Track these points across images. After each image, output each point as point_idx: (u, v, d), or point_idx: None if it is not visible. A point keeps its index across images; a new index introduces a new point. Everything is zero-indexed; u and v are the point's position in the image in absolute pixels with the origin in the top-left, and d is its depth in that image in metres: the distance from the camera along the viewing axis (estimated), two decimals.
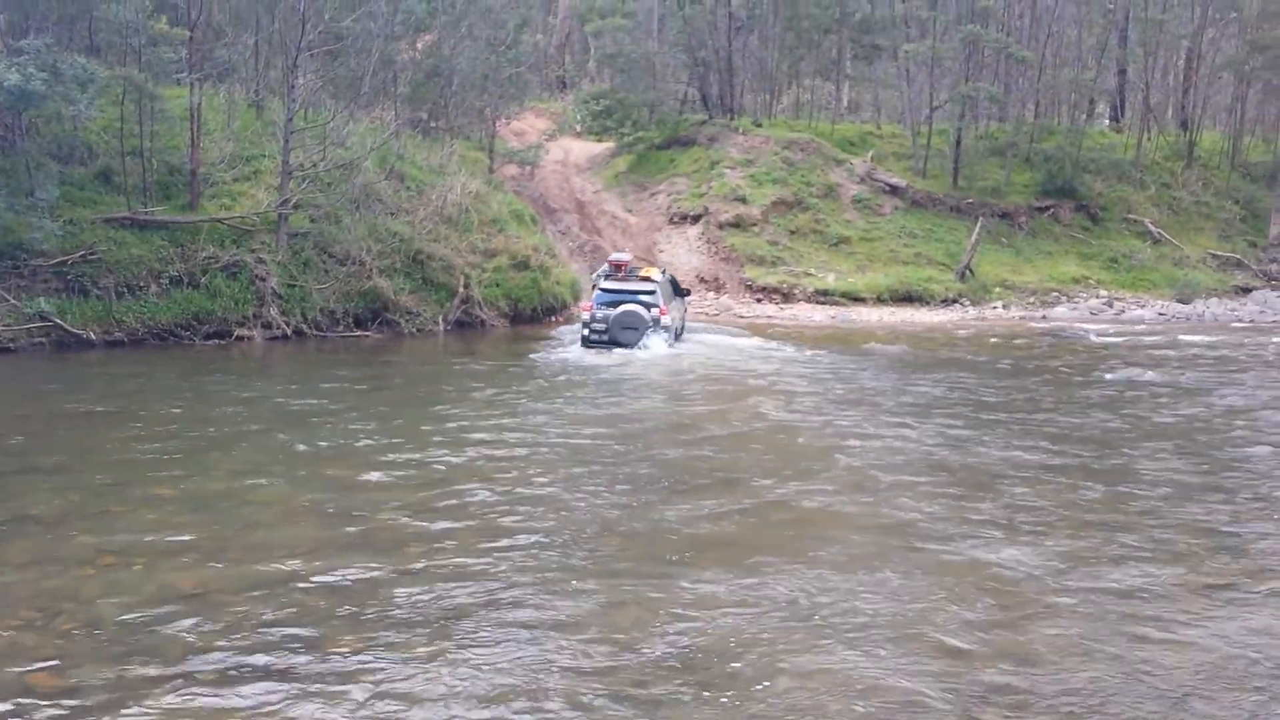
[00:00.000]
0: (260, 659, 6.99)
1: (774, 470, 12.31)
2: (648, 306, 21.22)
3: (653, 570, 8.87)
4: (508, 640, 7.40)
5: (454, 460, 12.42)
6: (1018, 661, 7.32)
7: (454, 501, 10.71)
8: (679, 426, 14.88)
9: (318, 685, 6.68)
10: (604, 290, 21.61)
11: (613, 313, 21.14)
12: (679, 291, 23.76)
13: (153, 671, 6.79)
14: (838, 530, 10.12)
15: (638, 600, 8.21)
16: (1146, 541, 9.94)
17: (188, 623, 7.50)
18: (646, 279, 21.96)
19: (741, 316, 28.34)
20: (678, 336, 22.28)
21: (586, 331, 21.35)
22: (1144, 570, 9.14)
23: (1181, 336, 25.95)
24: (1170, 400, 17.58)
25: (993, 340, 24.95)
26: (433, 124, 32.16)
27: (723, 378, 18.95)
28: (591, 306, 21.52)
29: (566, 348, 21.60)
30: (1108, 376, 19.86)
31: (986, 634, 7.74)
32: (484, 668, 6.99)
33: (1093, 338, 25.70)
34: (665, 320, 21.28)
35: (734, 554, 9.29)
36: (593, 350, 21.01)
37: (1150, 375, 19.95)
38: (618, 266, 22.19)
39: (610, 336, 21.07)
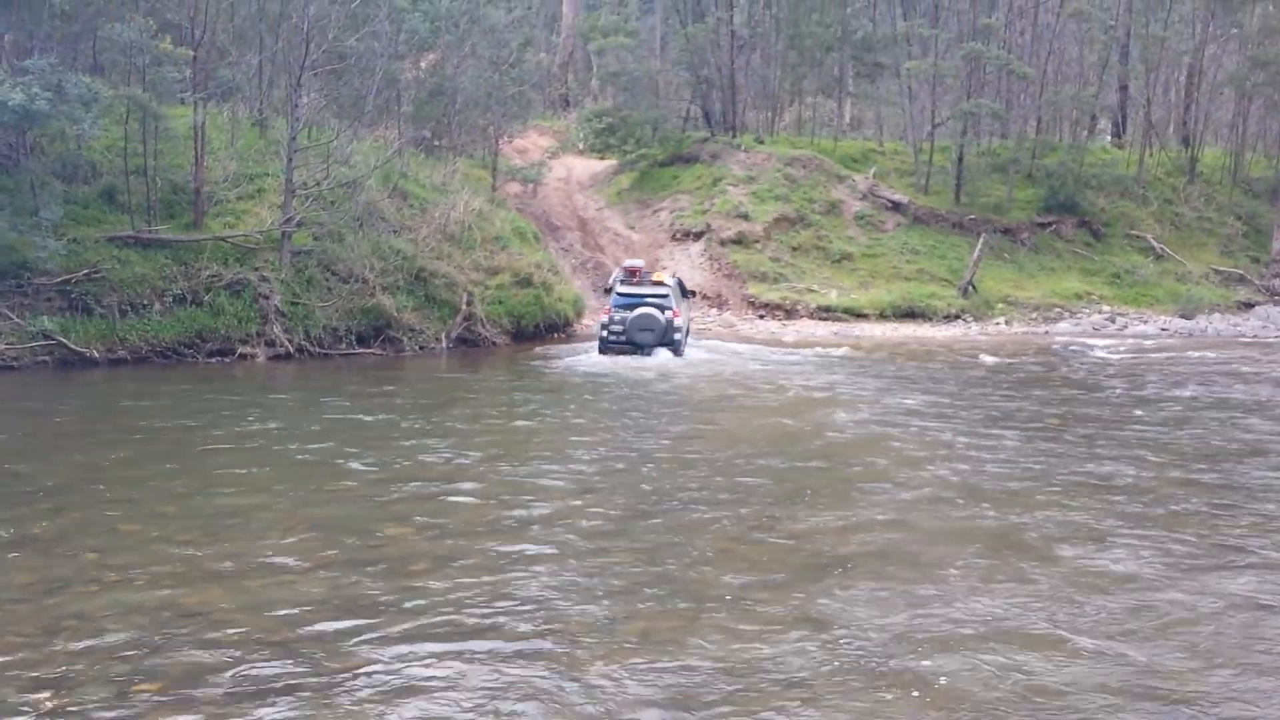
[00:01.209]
0: (266, 679, 6.96)
1: (882, 479, 12.56)
2: (661, 309, 22.58)
3: (812, 582, 8.99)
4: (672, 660, 7.45)
5: (557, 470, 12.68)
6: (1171, 664, 7.50)
7: (570, 519, 10.78)
8: (770, 438, 15.04)
9: (325, 707, 6.66)
10: (620, 294, 22.99)
11: (630, 315, 22.43)
12: (685, 293, 25.06)
13: (157, 691, 6.77)
14: (967, 539, 10.29)
15: (808, 613, 8.31)
16: (1262, 550, 10.09)
17: (192, 641, 7.48)
18: (659, 283, 23.38)
19: (743, 333, 28.35)
20: (686, 334, 23.66)
21: (605, 333, 22.66)
22: (1266, 578, 9.31)
23: (1194, 353, 25.93)
24: (1231, 414, 17.59)
25: (994, 358, 24.90)
26: (436, 142, 32.24)
27: (781, 389, 19.29)
28: (610, 310, 22.80)
29: (589, 361, 22.19)
30: (1146, 392, 19.84)
31: (1136, 640, 7.92)
32: (653, 680, 7.10)
33: (1096, 353, 25.64)
34: (678, 321, 22.71)
35: (879, 564, 9.47)
36: (612, 354, 22.21)
37: (1193, 390, 19.99)
38: (632, 272, 23.69)
39: (628, 338, 22.39)
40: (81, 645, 7.40)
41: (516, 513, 10.92)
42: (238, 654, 7.29)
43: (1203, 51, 42.88)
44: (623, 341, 22.36)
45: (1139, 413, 17.65)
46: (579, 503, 11.37)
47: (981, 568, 9.42)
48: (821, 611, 8.30)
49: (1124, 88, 44.93)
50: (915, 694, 6.98)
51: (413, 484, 12.02)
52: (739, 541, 10.12)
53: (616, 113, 40.10)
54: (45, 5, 22.88)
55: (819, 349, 24.83)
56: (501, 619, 8.04)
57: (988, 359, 24.20)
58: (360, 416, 16.06)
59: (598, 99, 47.24)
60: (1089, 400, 18.96)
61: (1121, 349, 26.61)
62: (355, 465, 12.78)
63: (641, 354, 22.17)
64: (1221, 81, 43.41)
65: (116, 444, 13.89)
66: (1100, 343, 27.78)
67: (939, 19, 40.13)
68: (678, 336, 22.59)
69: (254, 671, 7.05)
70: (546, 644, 7.61)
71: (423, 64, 32.55)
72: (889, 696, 6.94)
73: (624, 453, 13.87)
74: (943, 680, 7.16)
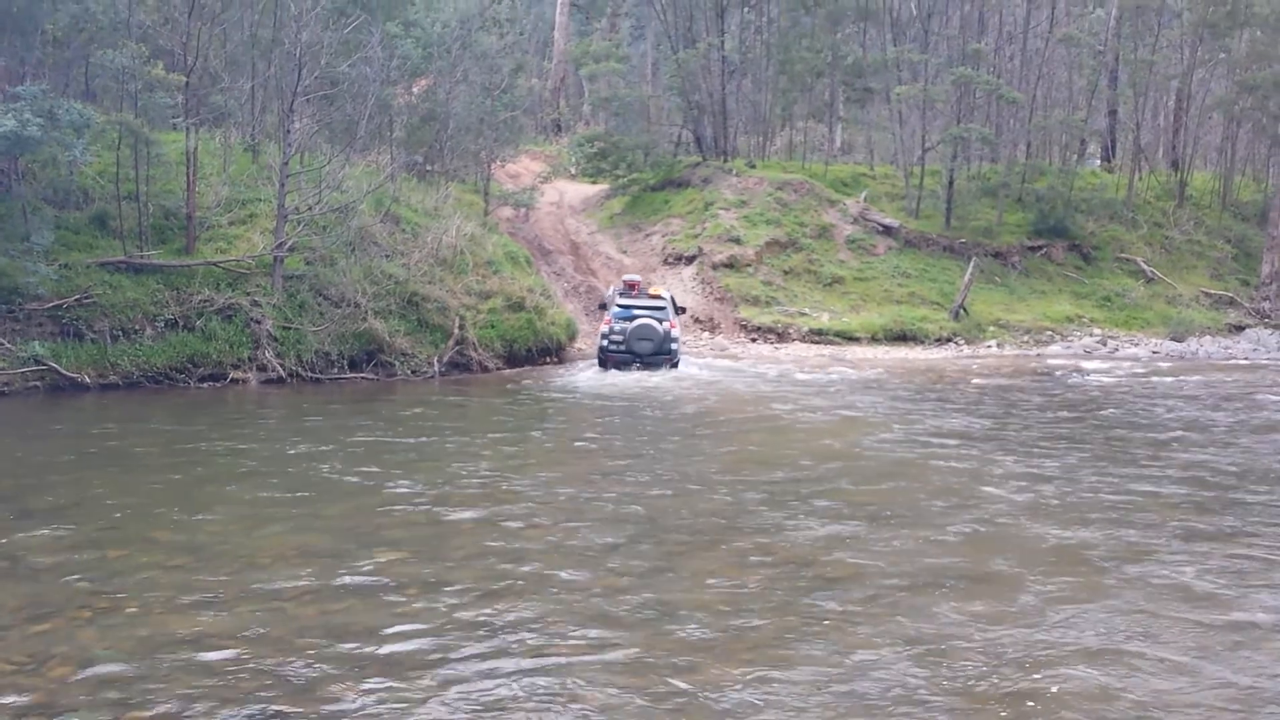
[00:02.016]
0: (257, 708, 6.91)
1: (944, 497, 12.66)
2: (659, 321, 23.84)
3: (907, 600, 9.08)
4: (783, 682, 7.47)
5: (619, 492, 12.68)
6: (1271, 683, 7.59)
7: (644, 541, 10.79)
8: (824, 459, 15.10)
9: None
10: (620, 306, 24.07)
11: (629, 326, 23.56)
12: (677, 309, 26.03)
13: (147, 719, 6.72)
14: (1042, 557, 10.39)
15: (906, 631, 8.36)
16: None
17: (183, 669, 7.42)
18: (656, 296, 24.88)
19: (739, 356, 28.36)
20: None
21: (605, 343, 23.75)
22: None
23: (1194, 376, 25.90)
24: (1264, 437, 17.67)
25: (994, 381, 24.91)
26: (428, 167, 32.29)
27: (807, 410, 19.39)
28: (610, 320, 23.69)
29: (590, 379, 22.71)
30: (1170, 415, 19.79)
31: (1227, 658, 8.01)
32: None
33: (1085, 377, 25.61)
34: (674, 333, 23.96)
35: (967, 582, 9.57)
36: (613, 364, 23.30)
37: (1214, 413, 19.96)
38: (631, 286, 25.02)
39: (628, 347, 23.58)
40: (71, 672, 7.35)
41: (586, 538, 10.87)
42: (229, 682, 7.24)
43: (1191, 76, 43.19)
44: (623, 351, 23.52)
45: (1169, 435, 17.65)
46: (651, 525, 11.34)
47: (1063, 585, 9.49)
48: (919, 631, 8.35)
49: (1113, 112, 45.20)
50: (1030, 704, 7.09)
51: (443, 506, 11.93)
52: (827, 563, 10.15)
53: (608, 137, 40.24)
54: (37, 32, 22.94)
55: (827, 371, 24.92)
56: (554, 637, 8.04)
57: (987, 381, 24.22)
58: (379, 438, 15.90)
59: (589, 124, 47.46)
60: (1112, 422, 18.92)
61: (1117, 371, 26.61)
62: (353, 484, 12.72)
63: (639, 364, 23.14)
64: (1210, 106, 43.75)
65: (106, 469, 13.83)
66: (1093, 365, 27.79)
67: (929, 44, 40.36)
68: (674, 347, 23.81)
69: (245, 700, 7.00)
70: (635, 659, 7.68)
71: (415, 89, 32.64)
72: (1004, 714, 6.99)
73: (676, 476, 13.85)
74: (1047, 702, 7.20)
